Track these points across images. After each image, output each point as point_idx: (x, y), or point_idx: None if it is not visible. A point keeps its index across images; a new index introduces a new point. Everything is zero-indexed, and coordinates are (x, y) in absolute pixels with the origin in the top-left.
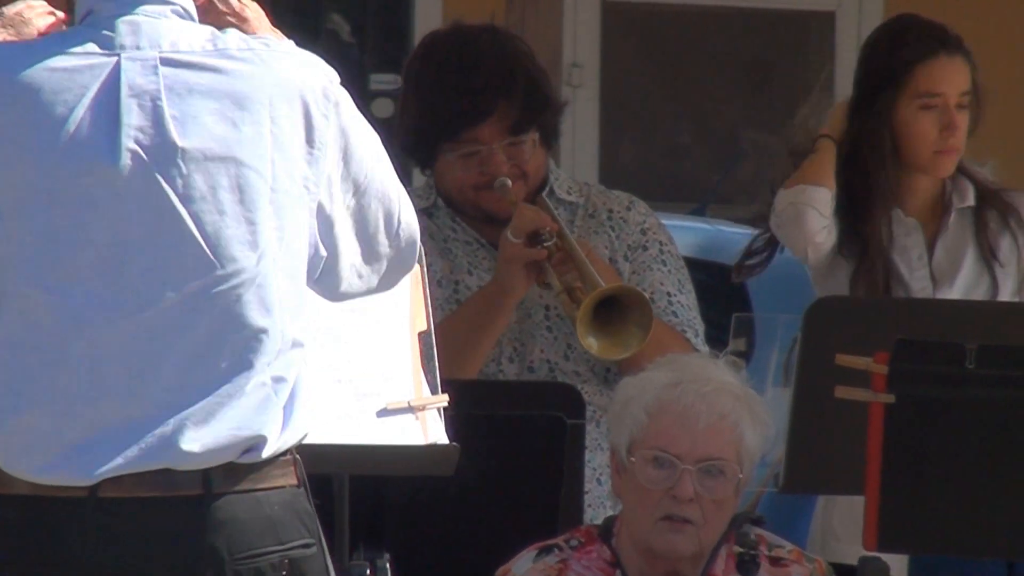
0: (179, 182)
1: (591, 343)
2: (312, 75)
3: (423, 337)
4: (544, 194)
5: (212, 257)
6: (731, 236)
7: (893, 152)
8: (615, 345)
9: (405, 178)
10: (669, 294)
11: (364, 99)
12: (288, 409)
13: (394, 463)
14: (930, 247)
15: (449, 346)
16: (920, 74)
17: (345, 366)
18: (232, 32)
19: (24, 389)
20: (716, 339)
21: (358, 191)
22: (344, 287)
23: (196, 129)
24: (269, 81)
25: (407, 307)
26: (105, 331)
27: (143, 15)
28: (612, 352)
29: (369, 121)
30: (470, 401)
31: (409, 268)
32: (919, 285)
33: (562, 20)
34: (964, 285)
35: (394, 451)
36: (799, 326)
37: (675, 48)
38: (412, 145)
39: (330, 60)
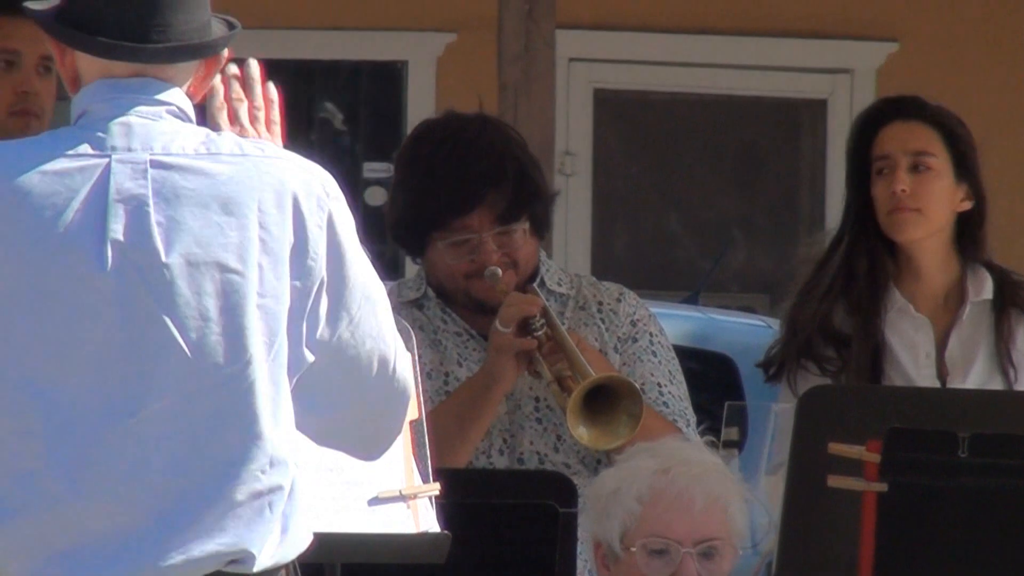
0: (162, 289)
1: (582, 433)
2: (307, 180)
3: (414, 426)
4: (535, 285)
5: (196, 363)
6: (723, 324)
7: (872, 228)
8: (606, 435)
9: (396, 271)
10: (660, 385)
11: (357, 187)
12: (285, 522)
13: (386, 551)
14: (943, 340)
15: (439, 436)
16: (876, 143)
17: (336, 455)
18: (227, 135)
19: (11, 494)
20: (709, 428)
21: (351, 322)
22: (326, 426)
23: (181, 235)
24: (259, 185)
25: None
26: (91, 437)
27: (137, 116)
28: (603, 442)
29: (362, 208)
30: (461, 490)
31: (398, 431)
32: (925, 384)
33: (554, 108)
34: (976, 382)
35: (386, 540)
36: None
37: (666, 136)
38: (403, 234)
39: (322, 149)
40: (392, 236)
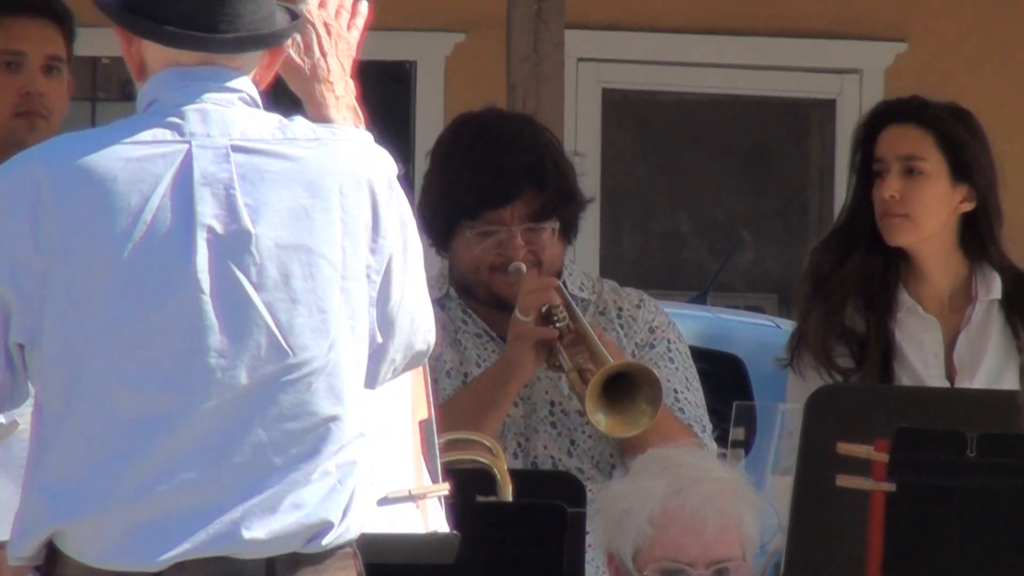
0: (253, 270)
1: (599, 419)
2: (379, 164)
3: (424, 425)
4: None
5: (285, 345)
6: (731, 324)
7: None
8: (624, 423)
9: None
10: (676, 391)
11: None
12: (351, 499)
13: (395, 551)
14: (952, 340)
15: (453, 426)
16: (875, 145)
17: None
18: (299, 119)
19: (104, 484)
20: (716, 427)
21: (406, 288)
22: (379, 381)
23: (269, 217)
24: (338, 169)
25: (408, 395)
26: (181, 419)
27: (211, 103)
28: (620, 429)
29: None
30: (472, 489)
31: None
32: (934, 383)
33: (563, 108)
34: (984, 382)
35: (395, 539)
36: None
37: (675, 136)
38: (431, 220)
39: None
40: (421, 223)
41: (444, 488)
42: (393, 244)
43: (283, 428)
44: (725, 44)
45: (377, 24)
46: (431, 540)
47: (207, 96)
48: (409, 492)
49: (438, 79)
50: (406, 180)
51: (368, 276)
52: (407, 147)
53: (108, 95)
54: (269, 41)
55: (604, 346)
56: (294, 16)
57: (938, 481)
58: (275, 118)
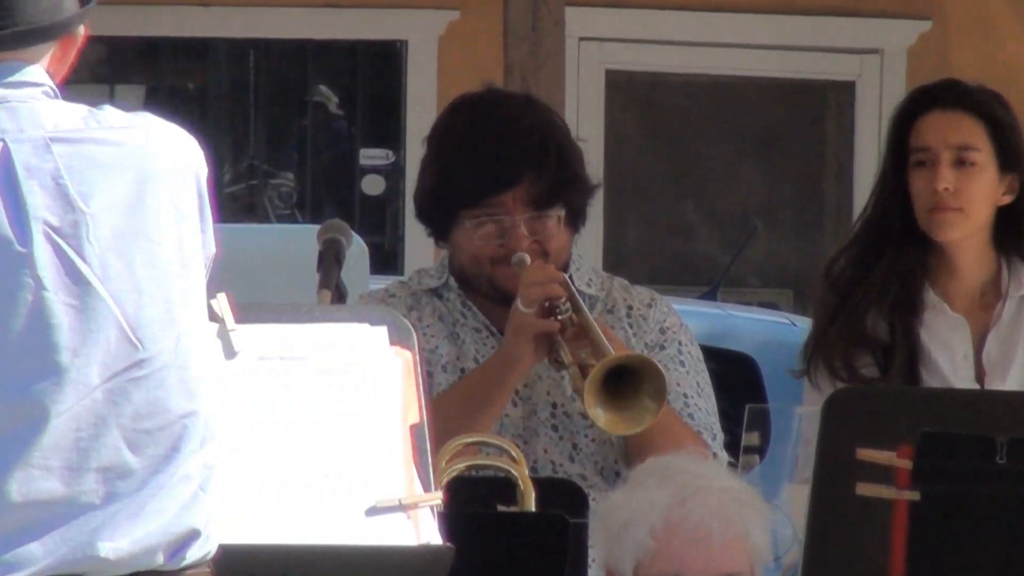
0: (95, 261)
1: (598, 414)
2: (195, 149)
3: (415, 430)
4: None
5: (134, 339)
6: (743, 322)
7: (905, 224)
8: (625, 420)
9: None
10: (686, 395)
11: (353, 176)
12: (211, 507)
13: (383, 566)
14: (980, 339)
15: (445, 422)
16: (914, 132)
17: (330, 460)
18: (107, 107)
19: None
20: (727, 432)
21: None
22: None
23: (103, 205)
24: (163, 153)
25: (398, 397)
26: (38, 425)
27: (15, 100)
28: (621, 427)
29: (359, 198)
30: (467, 499)
31: None
32: (962, 386)
33: (564, 91)
34: (1016, 383)
35: (383, 553)
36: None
37: (682, 120)
38: (430, 210)
39: (316, 134)
40: (418, 212)
41: (437, 497)
42: (209, 231)
43: (139, 427)
44: (736, 22)
45: (365, 1)
46: (423, 553)
47: (5, 93)
48: (399, 501)
49: (431, 60)
50: (396, 166)
51: (203, 263)
52: (397, 132)
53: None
54: (51, 33)
55: (609, 341)
56: (85, 2)
57: (965, 489)
58: (83, 108)
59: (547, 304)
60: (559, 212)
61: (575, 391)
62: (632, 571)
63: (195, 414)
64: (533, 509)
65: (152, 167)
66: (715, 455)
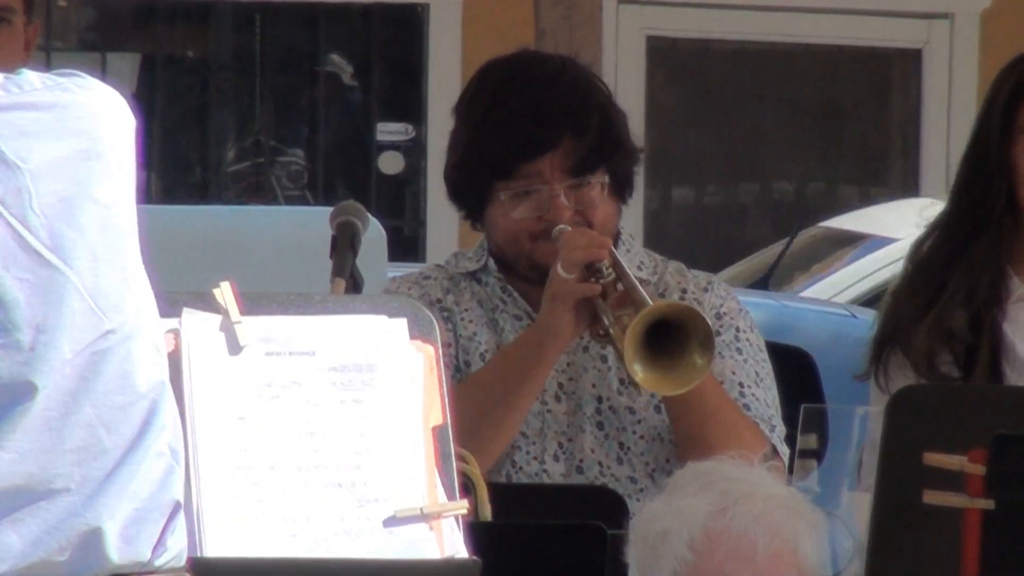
0: (43, 232)
1: (636, 370)
2: (125, 106)
3: (438, 432)
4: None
5: (96, 308)
6: (799, 313)
7: (1009, 207)
8: (668, 380)
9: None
10: (742, 385)
11: (369, 153)
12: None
13: None
14: None
15: (479, 405)
16: (1022, 108)
17: (345, 467)
18: (25, 72)
19: None
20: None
21: None
22: None
23: (44, 170)
24: (98, 113)
25: (419, 397)
26: (11, 410)
27: None
28: (664, 386)
29: (375, 177)
30: (494, 507)
31: None
32: None
33: (601, 59)
34: None
35: (405, 567)
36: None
37: (732, 92)
38: (460, 186)
39: (328, 107)
40: (449, 191)
41: (462, 506)
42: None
43: (111, 404)
44: None
45: None
46: (447, 567)
47: None
48: (421, 511)
49: (454, 24)
50: (416, 142)
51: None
52: (418, 104)
53: (65, 44)
54: None
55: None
56: None
57: None
58: None
59: (589, 269)
60: (602, 179)
61: (618, 358)
62: None
63: (163, 385)
64: (488, 511)
65: (88, 127)
66: (774, 448)
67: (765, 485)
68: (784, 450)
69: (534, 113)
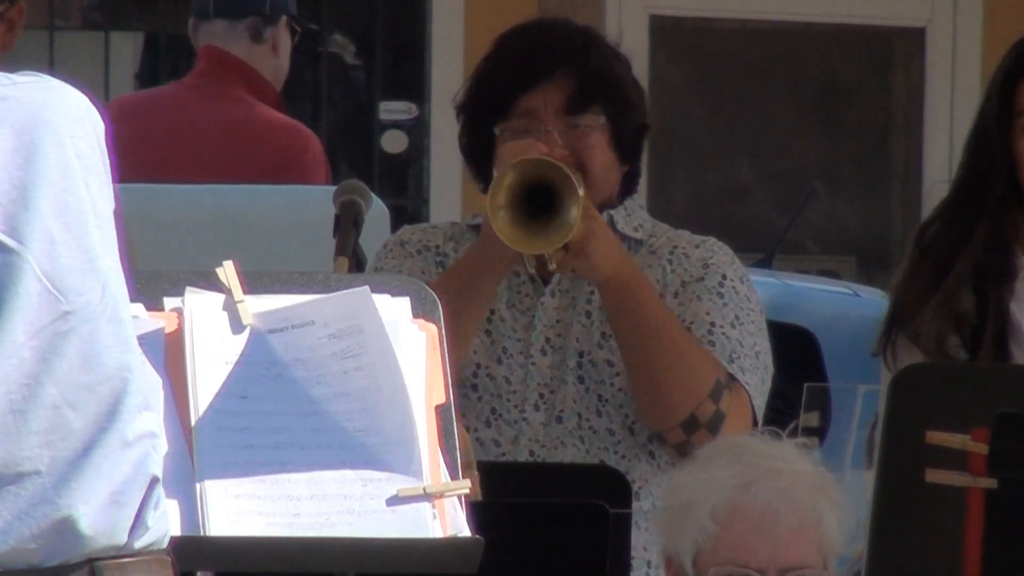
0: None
1: (500, 218)
2: (90, 105)
3: (441, 411)
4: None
5: (54, 290)
6: (802, 291)
7: (1012, 189)
8: (527, 236)
9: None
10: (713, 324)
11: (372, 131)
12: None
13: (407, 560)
14: None
15: None
16: (1019, 92)
17: (347, 446)
18: None
19: None
20: (784, 413)
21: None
22: None
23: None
24: (58, 106)
25: (422, 376)
26: None
27: None
28: (524, 244)
29: (378, 156)
30: (496, 486)
31: None
32: None
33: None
34: None
35: (407, 545)
36: (880, 399)
37: (735, 71)
38: (470, 137)
39: (332, 86)
40: (462, 150)
41: (465, 485)
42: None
43: (76, 383)
44: None
45: None
46: (450, 546)
47: None
48: (424, 490)
49: (457, 3)
50: (420, 121)
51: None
52: (421, 83)
53: (67, 23)
54: None
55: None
56: None
57: None
58: None
59: None
60: (599, 121)
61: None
62: (692, 560)
63: (131, 367)
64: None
65: (44, 116)
66: (732, 377)
67: (792, 461)
68: (746, 380)
69: (530, 47)
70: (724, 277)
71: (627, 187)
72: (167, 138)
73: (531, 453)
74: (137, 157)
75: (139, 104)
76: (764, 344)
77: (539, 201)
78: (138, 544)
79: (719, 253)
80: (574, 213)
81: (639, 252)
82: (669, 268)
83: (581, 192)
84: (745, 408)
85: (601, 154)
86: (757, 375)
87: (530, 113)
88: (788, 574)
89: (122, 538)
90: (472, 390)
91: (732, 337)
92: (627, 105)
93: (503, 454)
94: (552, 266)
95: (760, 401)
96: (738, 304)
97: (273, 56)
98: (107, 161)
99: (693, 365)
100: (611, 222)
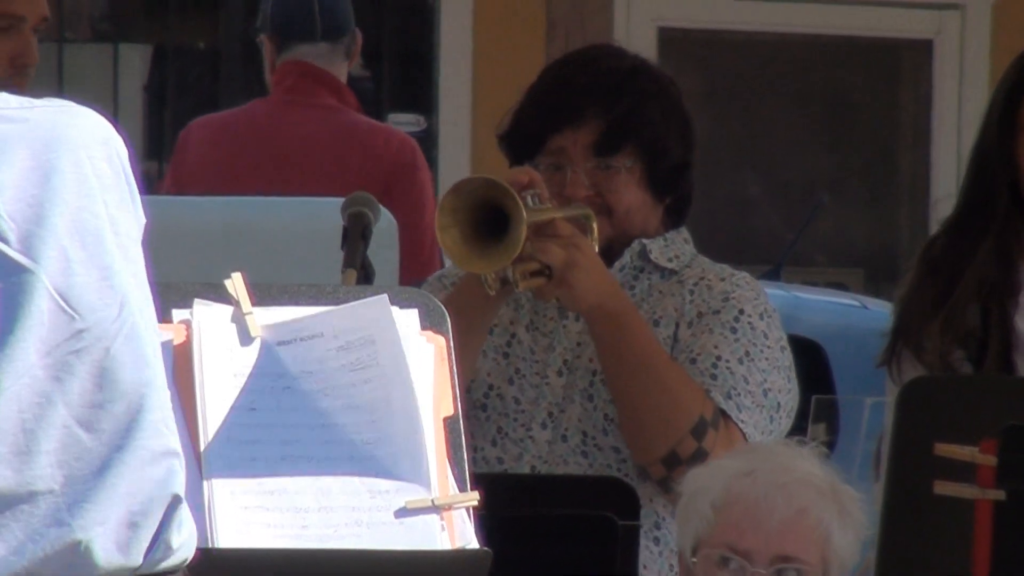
0: (11, 236)
1: (452, 238)
2: (111, 128)
3: (449, 423)
4: (637, 251)
5: (68, 309)
6: (809, 304)
7: (1015, 203)
8: (475, 255)
9: None
10: (719, 359)
11: None
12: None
13: (416, 572)
14: None
15: None
16: (1022, 106)
17: (355, 457)
18: (3, 95)
19: None
20: (792, 425)
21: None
22: None
23: (10, 176)
24: (76, 127)
25: (430, 388)
26: None
27: None
28: (472, 263)
29: None
30: (505, 499)
31: None
32: None
33: None
34: None
35: (415, 558)
36: (888, 411)
37: (742, 83)
38: (511, 163)
39: None
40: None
41: (473, 497)
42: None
43: (89, 403)
44: None
45: None
46: (459, 558)
47: None
48: (432, 502)
49: (466, 15)
50: (428, 133)
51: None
52: (429, 94)
53: (76, 35)
54: None
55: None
56: None
57: None
58: None
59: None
60: (627, 163)
61: (534, 295)
62: (692, 547)
63: (151, 384)
64: None
65: (61, 136)
66: (723, 413)
67: (804, 463)
68: (741, 418)
69: (562, 87)
70: (742, 312)
71: (672, 219)
72: (279, 154)
73: (532, 469)
74: (235, 173)
75: (227, 124)
76: (778, 382)
77: (491, 222)
78: (161, 567)
79: (743, 288)
80: (521, 232)
81: (669, 281)
82: (689, 298)
83: (524, 213)
84: (734, 446)
85: (628, 195)
86: (761, 413)
87: (561, 151)
88: (778, 564)
89: (137, 560)
90: (481, 410)
91: (737, 373)
92: (660, 146)
93: (505, 471)
94: (518, 288)
95: (761, 440)
96: (752, 340)
97: (348, 67)
98: (133, 184)
99: (676, 401)
100: (644, 252)
